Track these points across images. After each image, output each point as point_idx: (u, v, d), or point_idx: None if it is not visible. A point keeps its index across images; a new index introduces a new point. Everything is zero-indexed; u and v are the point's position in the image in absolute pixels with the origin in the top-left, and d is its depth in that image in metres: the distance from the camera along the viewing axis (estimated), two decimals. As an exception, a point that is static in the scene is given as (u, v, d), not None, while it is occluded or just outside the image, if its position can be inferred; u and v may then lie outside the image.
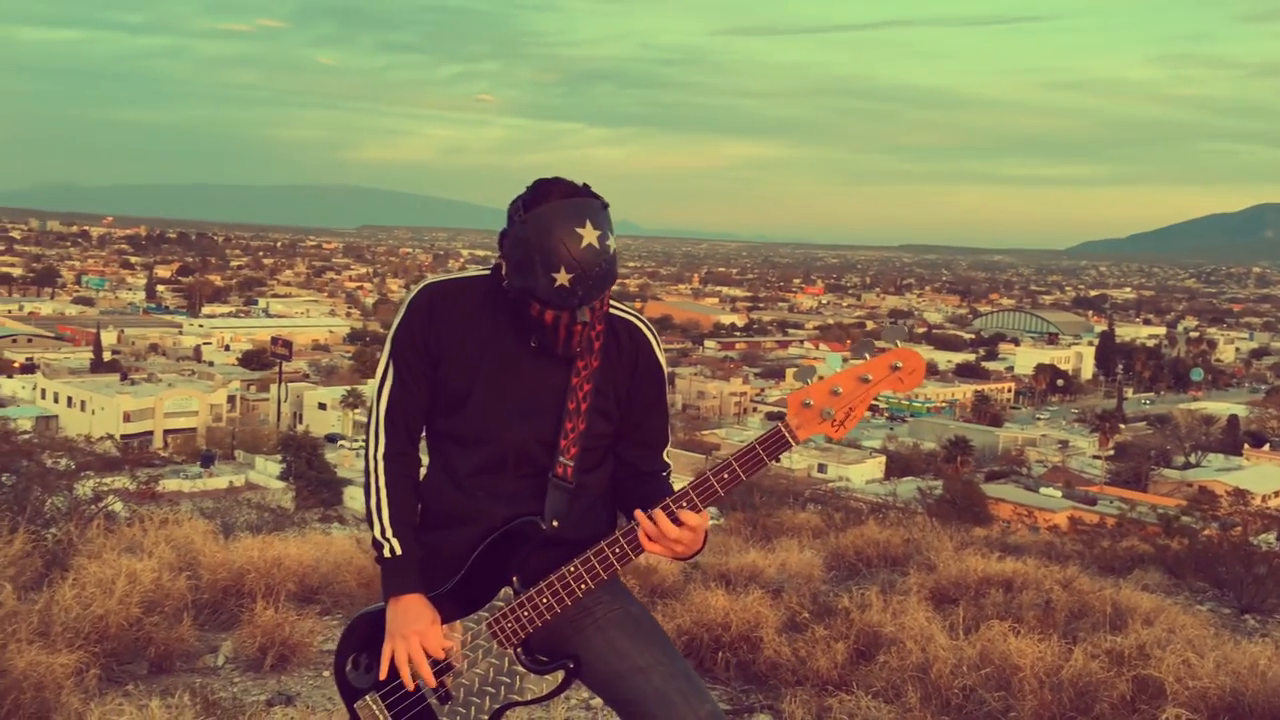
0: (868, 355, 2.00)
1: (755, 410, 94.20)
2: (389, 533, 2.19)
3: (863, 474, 62.45)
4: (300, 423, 73.12)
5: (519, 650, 2.16)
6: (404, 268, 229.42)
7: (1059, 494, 57.63)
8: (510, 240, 2.10)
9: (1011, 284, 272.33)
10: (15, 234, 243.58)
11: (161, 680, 5.02)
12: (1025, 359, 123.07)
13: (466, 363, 2.19)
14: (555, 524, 2.16)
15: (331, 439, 64.38)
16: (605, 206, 2.12)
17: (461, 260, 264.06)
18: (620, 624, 2.21)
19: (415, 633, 2.13)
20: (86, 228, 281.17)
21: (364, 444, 2.27)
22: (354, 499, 40.23)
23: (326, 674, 5.57)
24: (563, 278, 2.04)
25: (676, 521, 2.08)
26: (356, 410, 71.39)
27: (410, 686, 2.15)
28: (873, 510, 15.03)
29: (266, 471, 49.54)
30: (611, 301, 2.27)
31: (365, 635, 2.26)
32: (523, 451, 2.19)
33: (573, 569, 2.13)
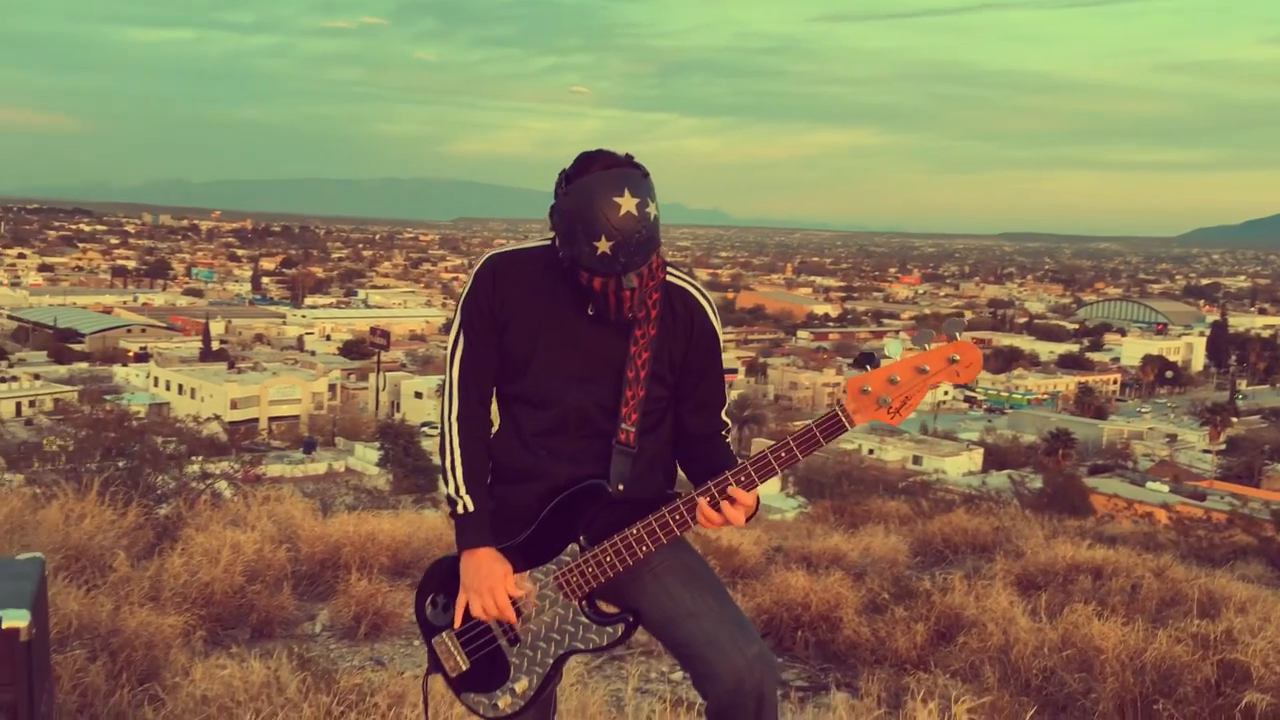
0: (926, 346, 2.04)
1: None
2: (462, 490, 2.31)
3: (958, 466, 61.24)
4: (397, 411, 74.79)
5: (583, 602, 2.29)
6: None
7: (1166, 489, 55.71)
8: (556, 213, 2.21)
9: (1118, 272, 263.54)
10: (130, 228, 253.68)
11: (262, 644, 5.26)
12: (1132, 350, 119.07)
13: (529, 329, 2.30)
14: (620, 487, 2.27)
15: (428, 427, 65.79)
16: (646, 175, 2.20)
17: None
18: (675, 573, 2.31)
19: (488, 587, 2.26)
20: (196, 222, 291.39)
21: (439, 407, 2.41)
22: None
23: (417, 643, 5.78)
24: (604, 245, 2.13)
25: (731, 500, 2.19)
26: (452, 399, 72.84)
27: (495, 617, 2.28)
28: (965, 500, 14.78)
29: (365, 458, 50.78)
30: (670, 269, 2.36)
31: (443, 578, 2.39)
32: (583, 415, 2.30)
33: (635, 531, 2.24)
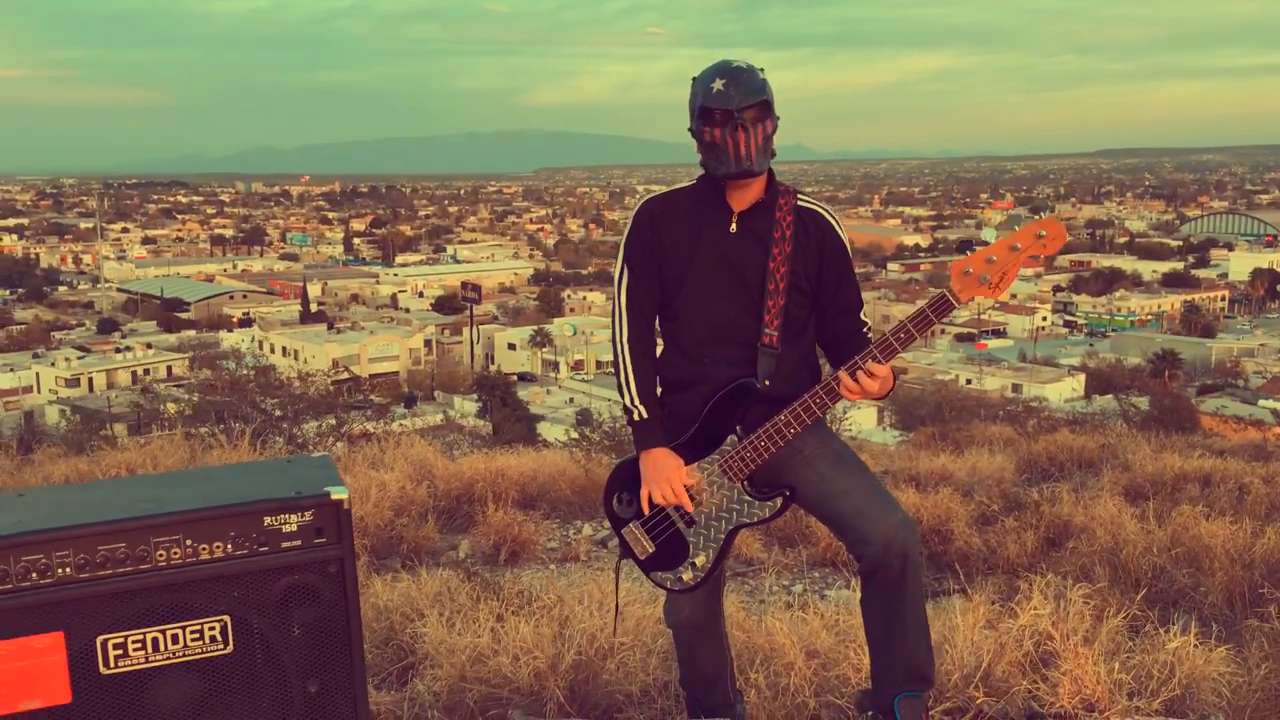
0: (1016, 227, 2.34)
1: (943, 332, 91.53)
2: (637, 400, 2.68)
3: (1060, 392, 59.98)
4: (492, 363, 76.14)
5: (745, 484, 2.65)
6: (581, 207, 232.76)
7: (1279, 405, 53.95)
8: (689, 110, 2.65)
9: (1223, 185, 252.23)
10: (224, 197, 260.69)
11: (416, 571, 5.73)
12: (1240, 264, 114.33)
13: (682, 255, 2.68)
14: (766, 383, 2.64)
15: (523, 378, 66.91)
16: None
17: (637, 196, 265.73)
18: (825, 458, 2.66)
19: (665, 479, 2.62)
20: (287, 188, 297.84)
21: (610, 331, 2.79)
22: (546, 431, 41.91)
23: (554, 567, 6.21)
24: (718, 84, 2.55)
25: (869, 374, 2.53)
26: (544, 349, 73.72)
27: (673, 504, 2.66)
28: (1070, 422, 14.71)
29: (464, 410, 51.93)
30: (799, 194, 2.72)
31: (625, 478, 2.77)
32: (734, 323, 2.66)
33: (784, 417, 2.60)
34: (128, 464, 7.00)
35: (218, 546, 1.81)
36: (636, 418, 2.69)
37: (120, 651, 1.78)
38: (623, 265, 2.76)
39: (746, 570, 5.91)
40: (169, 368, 70.77)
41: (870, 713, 2.65)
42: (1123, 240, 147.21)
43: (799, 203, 2.70)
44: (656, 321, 2.77)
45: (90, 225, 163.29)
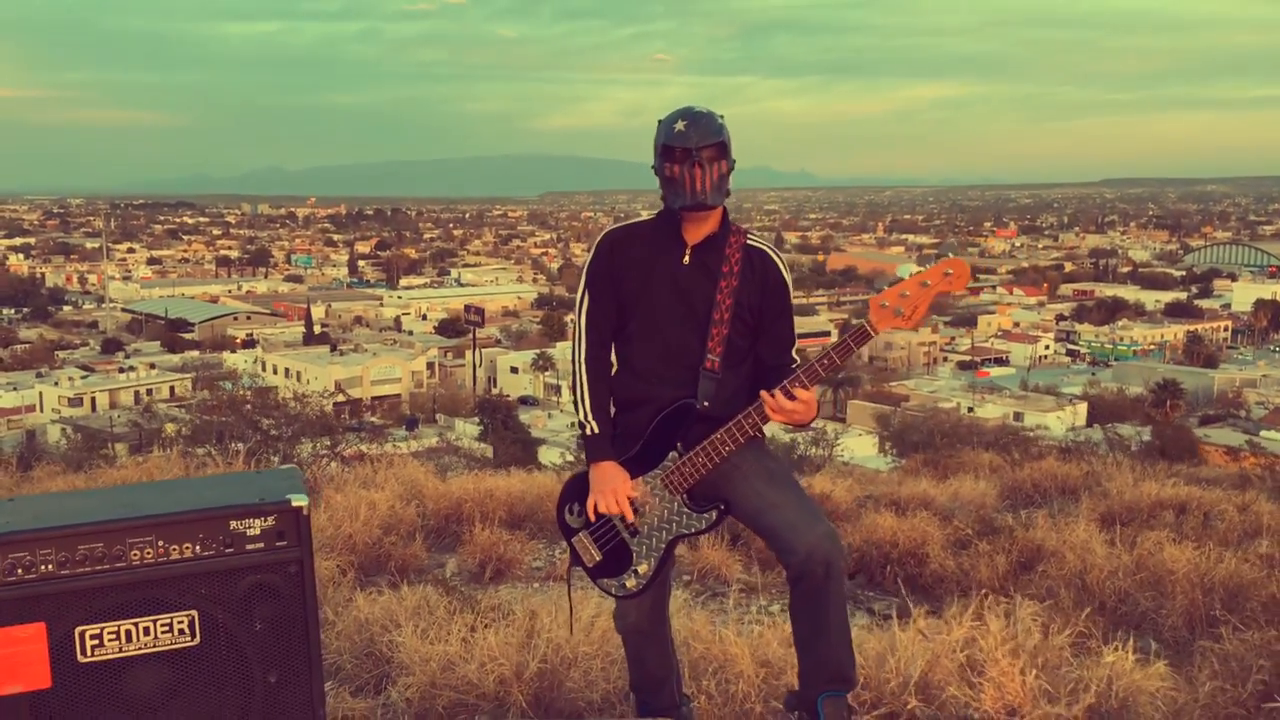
0: (927, 266, 2.56)
1: (945, 360, 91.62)
2: (590, 416, 2.91)
3: (1063, 422, 59.99)
4: (494, 386, 76.35)
5: (684, 496, 2.86)
6: (586, 232, 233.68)
7: (1281, 436, 53.94)
8: (654, 148, 2.88)
9: (1227, 215, 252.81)
10: (230, 219, 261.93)
11: (399, 587, 5.86)
12: (1243, 295, 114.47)
13: (637, 282, 2.91)
14: (706, 404, 2.85)
15: (525, 401, 67.10)
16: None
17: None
18: (759, 475, 2.87)
19: (610, 490, 2.84)
20: (293, 209, 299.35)
21: (570, 351, 2.99)
22: (546, 455, 42.04)
23: (537, 585, 6.35)
24: (680, 125, 2.79)
25: (791, 397, 2.74)
26: (547, 373, 73.91)
27: (619, 515, 2.85)
28: (1059, 451, 14.82)
29: (465, 433, 52.00)
30: (749, 233, 2.94)
31: (576, 490, 2.98)
32: (682, 347, 2.88)
33: (719, 436, 2.81)
34: (124, 481, 7.16)
35: (187, 547, 1.99)
36: (589, 432, 2.90)
37: (96, 642, 1.96)
38: (584, 289, 2.98)
39: (724, 589, 6.04)
40: (172, 388, 71.02)
41: (797, 713, 2.80)
42: (1126, 270, 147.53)
43: (748, 241, 2.92)
44: (613, 343, 2.98)
45: (96, 245, 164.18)
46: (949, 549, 6.32)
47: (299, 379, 73.65)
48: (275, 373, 76.52)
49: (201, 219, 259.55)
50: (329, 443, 9.29)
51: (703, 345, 2.84)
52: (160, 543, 1.96)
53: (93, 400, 66.36)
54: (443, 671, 3.30)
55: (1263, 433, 55.67)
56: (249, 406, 14.92)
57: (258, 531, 2.03)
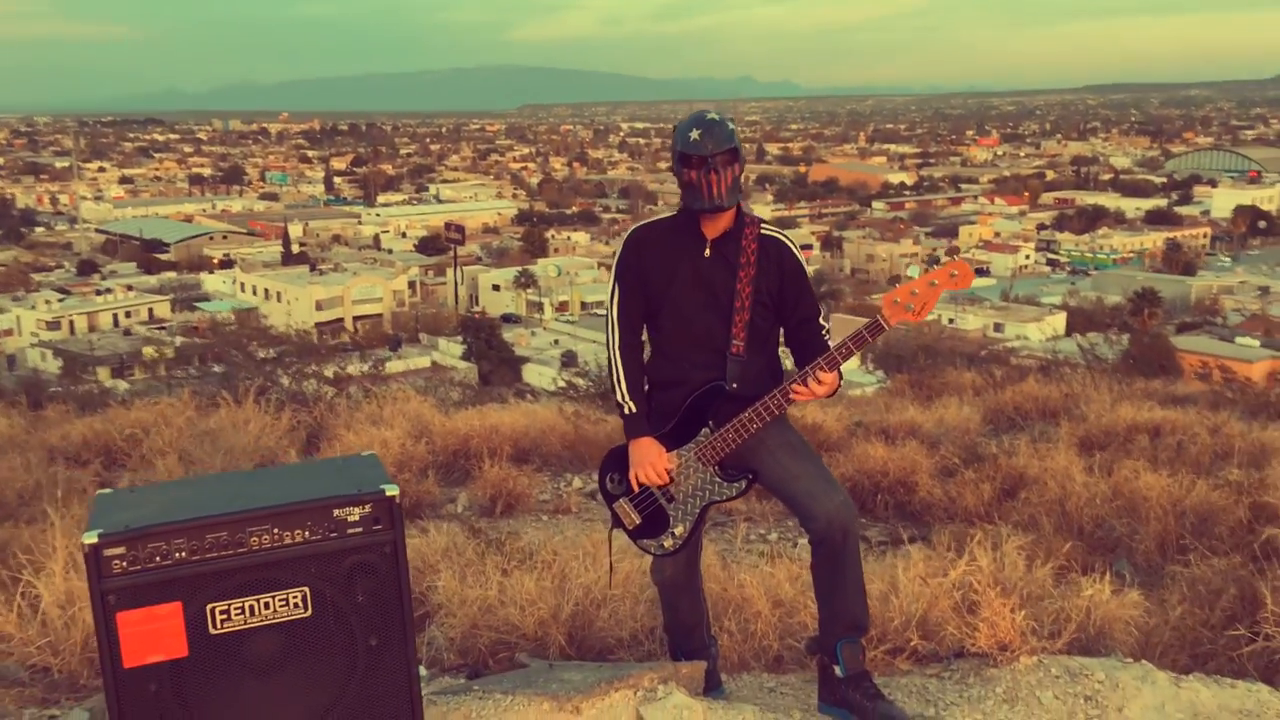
0: (934, 267, 2.87)
1: (930, 264, 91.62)
2: (627, 397, 3.19)
3: (1042, 331, 60.67)
4: (476, 304, 76.33)
5: (716, 468, 3.16)
6: (565, 145, 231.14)
7: (1257, 343, 54.82)
8: (671, 153, 3.13)
9: (1209, 120, 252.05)
10: (202, 135, 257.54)
11: (418, 523, 6.16)
12: (1223, 201, 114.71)
13: (663, 275, 3.17)
14: (734, 385, 3.14)
15: (508, 319, 67.26)
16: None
17: (621, 134, 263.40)
18: (783, 447, 3.17)
19: (649, 463, 3.14)
20: (265, 125, 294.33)
21: (605, 338, 3.28)
22: (531, 374, 42.37)
23: (545, 518, 6.67)
24: (695, 134, 3.03)
25: (818, 382, 3.03)
26: (529, 290, 73.93)
27: (656, 484, 3.16)
28: (1040, 369, 15.17)
29: (450, 353, 52.17)
30: (762, 223, 3.20)
31: (616, 461, 3.28)
32: (708, 334, 3.15)
33: (748, 414, 3.10)
34: (140, 423, 7.38)
35: (298, 533, 2.32)
36: (626, 411, 3.19)
37: (225, 616, 2.31)
38: (614, 282, 3.26)
39: (725, 520, 6.39)
40: (150, 310, 70.75)
41: (818, 655, 3.15)
42: (1107, 177, 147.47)
43: (762, 231, 3.18)
44: (644, 330, 3.26)
45: (66, 165, 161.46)
46: (937, 477, 6.66)
47: (279, 299, 73.36)
48: (255, 293, 76.08)
49: (172, 136, 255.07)
50: (332, 378, 9.52)
51: (728, 331, 3.11)
52: (276, 530, 2.29)
53: (71, 323, 66.09)
54: (483, 614, 3.61)
55: (1238, 339, 56.62)
56: (235, 331, 15.05)
57: (357, 518, 2.35)
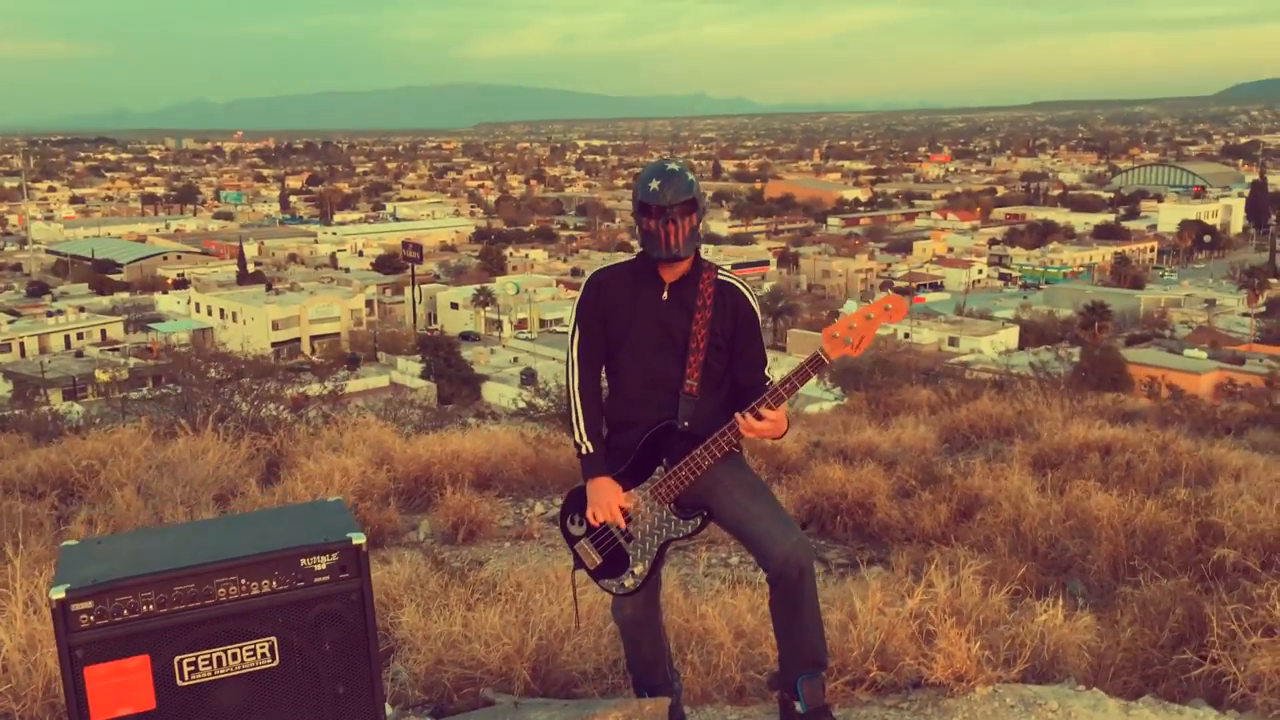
0: (869, 302, 2.96)
1: (886, 286, 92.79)
2: (585, 438, 3.25)
3: (995, 345, 61.52)
4: (434, 323, 75.99)
5: (671, 506, 3.22)
6: (522, 163, 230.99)
7: (1204, 355, 55.95)
8: (633, 200, 3.20)
9: (1154, 136, 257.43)
10: (155, 154, 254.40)
11: (379, 552, 6.13)
12: (1169, 216, 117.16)
13: (622, 317, 3.23)
14: (686, 424, 3.20)
15: (466, 337, 67.00)
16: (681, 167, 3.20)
17: (578, 151, 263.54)
18: (740, 488, 3.23)
19: (605, 502, 3.20)
20: (220, 144, 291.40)
21: (565, 379, 3.32)
22: (491, 392, 42.21)
23: (508, 544, 6.67)
24: (654, 184, 3.10)
25: (759, 417, 3.09)
26: (487, 309, 73.71)
27: (615, 523, 3.20)
28: (995, 384, 15.39)
29: (408, 371, 51.87)
30: (719, 269, 3.27)
31: (576, 502, 3.33)
32: (664, 374, 3.22)
33: (699, 452, 3.16)
34: (97, 454, 7.28)
35: (265, 583, 2.34)
36: (584, 452, 3.25)
37: (193, 668, 2.33)
38: (575, 325, 3.30)
39: (687, 545, 6.43)
40: (103, 331, 69.74)
41: (779, 691, 3.20)
42: (1056, 193, 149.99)
43: (719, 276, 3.26)
44: (603, 371, 3.32)
45: (15, 184, 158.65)
46: (894, 498, 6.75)
47: (235, 320, 72.57)
48: (210, 314, 75.21)
49: (124, 155, 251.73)
50: (291, 402, 9.46)
51: (682, 371, 3.18)
52: (243, 580, 2.30)
53: (21, 346, 64.95)
54: (447, 649, 3.62)
55: (1186, 351, 57.76)
56: (190, 353, 14.89)
57: (324, 566, 2.37)
